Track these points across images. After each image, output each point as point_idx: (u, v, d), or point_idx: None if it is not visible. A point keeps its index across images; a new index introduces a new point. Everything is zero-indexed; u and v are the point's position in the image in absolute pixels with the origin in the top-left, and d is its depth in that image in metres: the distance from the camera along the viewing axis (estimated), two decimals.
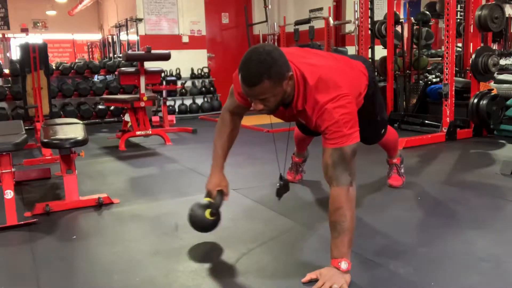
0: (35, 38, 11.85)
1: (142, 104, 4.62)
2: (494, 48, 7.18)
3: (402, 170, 2.85)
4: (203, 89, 7.63)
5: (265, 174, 3.28)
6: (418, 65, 5.46)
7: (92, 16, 12.88)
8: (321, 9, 8.05)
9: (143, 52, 4.95)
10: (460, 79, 4.98)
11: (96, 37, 12.71)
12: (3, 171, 2.31)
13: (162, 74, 6.54)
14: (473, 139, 4.45)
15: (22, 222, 2.33)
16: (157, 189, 2.99)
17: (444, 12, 4.45)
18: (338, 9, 8.19)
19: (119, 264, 1.89)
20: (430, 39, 5.76)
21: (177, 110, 7.30)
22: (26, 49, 4.34)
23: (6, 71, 6.54)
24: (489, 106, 4.35)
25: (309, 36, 6.87)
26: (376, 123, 2.38)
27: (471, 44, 4.72)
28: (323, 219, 2.08)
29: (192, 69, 7.68)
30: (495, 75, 4.90)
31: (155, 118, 6.23)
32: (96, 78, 7.65)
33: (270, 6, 7.63)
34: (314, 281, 1.61)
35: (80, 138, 2.50)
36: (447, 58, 4.39)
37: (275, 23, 8.49)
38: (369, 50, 5.64)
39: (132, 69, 5.02)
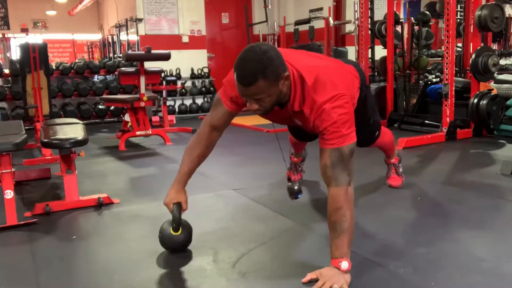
0: (35, 38, 11.86)
1: (142, 104, 4.62)
2: (494, 48, 7.18)
3: (401, 170, 2.85)
4: (203, 89, 7.63)
5: (265, 174, 3.28)
6: (418, 65, 5.46)
7: (92, 16, 12.89)
8: (321, 9, 8.05)
9: (143, 52, 4.95)
10: (460, 79, 4.98)
11: (96, 37, 12.72)
12: (3, 171, 2.31)
13: (162, 74, 6.53)
14: (473, 139, 4.44)
15: (22, 222, 2.33)
16: (157, 189, 2.99)
17: (444, 12, 4.44)
18: (338, 9, 8.20)
19: (119, 264, 1.89)
20: (430, 39, 5.76)
21: (177, 110, 7.29)
22: (26, 49, 4.35)
23: (6, 71, 6.54)
24: (489, 106, 4.34)
25: (309, 36, 6.86)
26: (369, 126, 2.37)
27: (471, 44, 4.72)
28: (323, 219, 2.08)
29: (192, 69, 7.68)
30: (495, 75, 4.90)
31: (155, 118, 6.24)
32: (96, 78, 7.66)
33: (270, 6, 7.63)
34: (314, 281, 1.61)
35: (80, 138, 2.50)
36: (447, 58, 4.38)
37: (275, 23, 8.50)
38: (369, 50, 5.64)
39: (132, 69, 5.02)
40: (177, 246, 1.94)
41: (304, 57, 1.84)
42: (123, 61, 7.00)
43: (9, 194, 2.30)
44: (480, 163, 3.61)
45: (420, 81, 5.49)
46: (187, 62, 7.58)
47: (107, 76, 7.58)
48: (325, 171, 1.66)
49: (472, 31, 4.63)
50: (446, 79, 4.41)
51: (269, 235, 2.13)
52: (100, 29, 12.52)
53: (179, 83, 7.31)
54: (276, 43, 8.10)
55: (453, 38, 4.38)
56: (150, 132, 4.77)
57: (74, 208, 2.58)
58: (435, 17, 5.96)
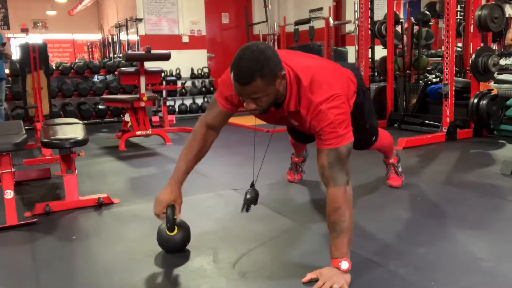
0: (35, 38, 11.86)
1: (142, 104, 4.62)
2: (494, 48, 7.18)
3: (400, 169, 2.85)
4: (203, 89, 7.63)
5: (264, 174, 3.27)
6: (418, 65, 5.46)
7: (92, 16, 12.90)
8: (321, 9, 8.06)
9: (143, 52, 4.95)
10: (460, 79, 4.98)
11: (96, 37, 12.72)
12: (3, 171, 2.31)
13: (162, 74, 6.54)
14: (473, 139, 4.45)
15: (22, 222, 2.33)
16: (157, 189, 2.95)
17: (444, 12, 4.45)
18: (338, 9, 8.21)
19: (119, 264, 1.89)
20: (430, 39, 5.76)
21: (177, 110, 7.30)
22: (26, 49, 4.34)
23: (7, 71, 6.53)
24: (489, 106, 4.34)
25: (309, 36, 6.86)
26: (365, 130, 2.36)
27: (471, 44, 4.72)
28: (323, 219, 2.08)
29: (192, 69, 7.68)
30: (495, 75, 4.90)
31: (155, 118, 6.24)
32: (96, 78, 7.66)
33: (270, 6, 7.63)
34: (314, 281, 1.61)
35: (80, 138, 2.50)
36: (447, 58, 4.39)
37: (275, 23, 8.49)
38: (369, 50, 5.64)
39: (132, 69, 5.02)
40: (174, 246, 1.94)
41: (300, 58, 1.84)
42: (123, 61, 7.00)
43: (9, 194, 2.30)
44: (480, 163, 3.61)
45: (420, 81, 5.50)
46: (187, 62, 7.59)
47: (107, 76, 7.59)
48: (323, 172, 1.67)
49: (472, 31, 4.63)
50: (446, 79, 4.41)
51: (269, 235, 2.13)
52: (100, 29, 12.53)
53: (179, 83, 7.31)
54: (276, 43, 8.10)
55: (453, 38, 4.38)
56: (150, 132, 4.77)
57: (74, 208, 2.58)
58: (435, 17, 5.97)
